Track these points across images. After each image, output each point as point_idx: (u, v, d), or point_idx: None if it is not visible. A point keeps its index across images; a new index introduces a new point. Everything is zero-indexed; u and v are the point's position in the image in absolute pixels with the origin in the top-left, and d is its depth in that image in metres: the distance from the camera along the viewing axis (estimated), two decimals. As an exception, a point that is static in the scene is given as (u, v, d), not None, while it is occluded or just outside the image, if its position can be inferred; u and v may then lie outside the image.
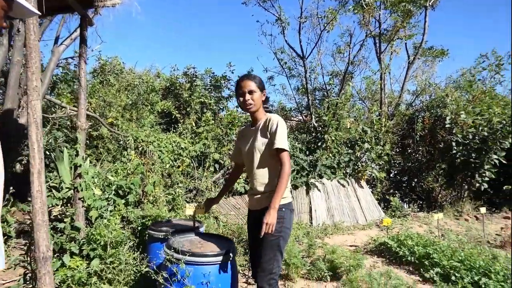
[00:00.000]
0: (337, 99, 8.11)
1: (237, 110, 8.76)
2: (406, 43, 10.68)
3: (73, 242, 3.24)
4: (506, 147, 7.92)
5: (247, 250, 4.15)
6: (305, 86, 9.89)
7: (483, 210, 6.11)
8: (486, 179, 8.07)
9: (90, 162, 5.33)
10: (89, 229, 3.25)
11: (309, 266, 3.80)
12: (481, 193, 8.88)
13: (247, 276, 3.53)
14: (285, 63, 10.54)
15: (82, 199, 3.42)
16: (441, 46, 12.04)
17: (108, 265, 2.99)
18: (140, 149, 5.66)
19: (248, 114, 2.66)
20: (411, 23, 10.18)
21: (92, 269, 2.96)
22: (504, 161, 7.97)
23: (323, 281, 3.62)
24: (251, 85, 2.35)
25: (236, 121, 7.79)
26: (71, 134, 5.86)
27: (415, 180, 9.85)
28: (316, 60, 10.08)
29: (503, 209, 8.77)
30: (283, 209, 2.30)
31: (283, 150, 2.25)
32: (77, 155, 3.43)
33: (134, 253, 3.11)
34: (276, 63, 13.65)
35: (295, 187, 6.66)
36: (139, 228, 3.71)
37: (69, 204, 3.72)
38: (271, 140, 2.29)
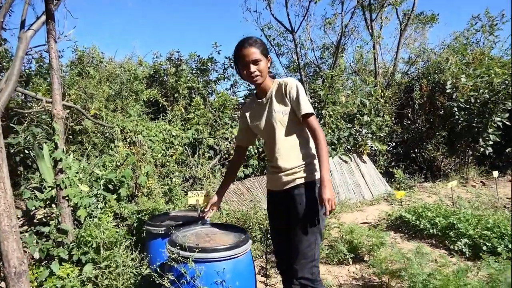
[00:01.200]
0: (332, 71, 7.70)
1: (228, 93, 8.35)
2: (396, 9, 10.25)
3: (61, 247, 2.84)
4: (509, 108, 7.65)
5: (255, 238, 3.79)
6: (296, 62, 9.45)
7: (495, 174, 5.88)
8: (490, 143, 7.81)
9: (76, 159, 4.89)
10: (78, 231, 2.86)
11: (327, 249, 3.46)
12: (483, 158, 8.68)
13: (264, 268, 3.16)
14: (273, 39, 10.07)
15: (67, 198, 3.00)
16: (431, 11, 11.69)
17: (103, 270, 2.60)
18: (128, 140, 5.22)
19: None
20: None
21: (85, 276, 2.57)
22: (508, 123, 7.71)
23: (345, 264, 3.29)
24: (255, 53, 1.93)
25: (228, 104, 7.36)
26: (51, 130, 5.38)
27: (416, 150, 9.59)
28: (305, 34, 9.64)
29: (507, 172, 8.57)
30: (318, 185, 1.94)
31: (311, 114, 1.91)
32: (56, 148, 3.01)
33: (132, 253, 2.72)
34: (264, 41, 13.06)
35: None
36: (135, 224, 3.31)
37: (53, 205, 3.31)
38: (295, 107, 1.95)
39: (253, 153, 6.35)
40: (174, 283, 1.94)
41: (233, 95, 9.04)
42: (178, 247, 1.96)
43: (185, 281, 1.93)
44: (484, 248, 3.33)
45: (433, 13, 11.60)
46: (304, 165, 1.97)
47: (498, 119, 7.69)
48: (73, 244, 2.83)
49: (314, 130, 1.92)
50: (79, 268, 2.69)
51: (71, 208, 3.07)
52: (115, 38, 36.84)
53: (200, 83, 8.48)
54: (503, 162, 9.14)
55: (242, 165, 5.98)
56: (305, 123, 1.95)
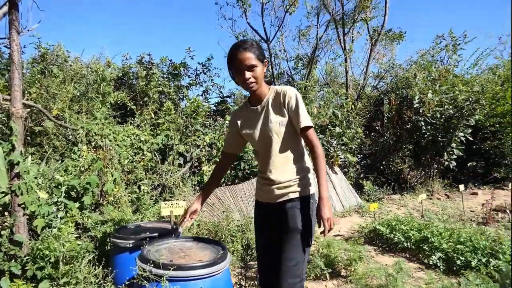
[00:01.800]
0: (306, 82, 7.72)
1: (200, 99, 8.15)
2: (368, 24, 10.52)
3: (13, 261, 2.54)
4: (471, 124, 7.98)
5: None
6: (270, 71, 9.42)
7: (461, 187, 6.04)
8: (454, 157, 8.09)
9: (35, 162, 4.52)
10: (34, 243, 2.58)
11: (303, 263, 3.34)
12: (446, 171, 8.97)
13: (240, 286, 2.97)
14: (248, 47, 10.01)
15: (22, 206, 2.71)
16: (399, 28, 12.12)
17: (61, 287, 2.34)
18: (93, 143, 4.90)
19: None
20: (372, 4, 10.01)
21: (40, 294, 2.31)
22: (470, 138, 8.04)
23: (322, 279, 3.17)
24: (251, 58, 1.77)
25: (201, 110, 7.17)
26: (7, 130, 4.97)
27: (383, 162, 9.79)
28: (280, 44, 9.66)
29: (468, 186, 8.89)
30: (311, 201, 1.84)
31: (310, 127, 1.82)
32: (13, 149, 2.71)
33: (95, 269, 2.48)
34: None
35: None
36: (99, 236, 3.05)
37: (6, 213, 2.98)
38: (293, 118, 1.84)
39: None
40: (144, 304, 1.75)
41: (205, 102, 8.86)
42: (151, 264, 1.77)
43: (157, 302, 1.74)
44: (458, 262, 3.34)
45: (400, 30, 12.05)
46: (298, 179, 1.86)
47: (462, 134, 7.99)
48: (27, 257, 2.55)
49: (313, 144, 1.83)
50: (33, 285, 2.42)
51: (27, 217, 2.78)
52: (82, 37, 35.62)
53: (172, 87, 8.25)
54: (465, 176, 9.51)
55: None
56: (303, 136, 1.86)
